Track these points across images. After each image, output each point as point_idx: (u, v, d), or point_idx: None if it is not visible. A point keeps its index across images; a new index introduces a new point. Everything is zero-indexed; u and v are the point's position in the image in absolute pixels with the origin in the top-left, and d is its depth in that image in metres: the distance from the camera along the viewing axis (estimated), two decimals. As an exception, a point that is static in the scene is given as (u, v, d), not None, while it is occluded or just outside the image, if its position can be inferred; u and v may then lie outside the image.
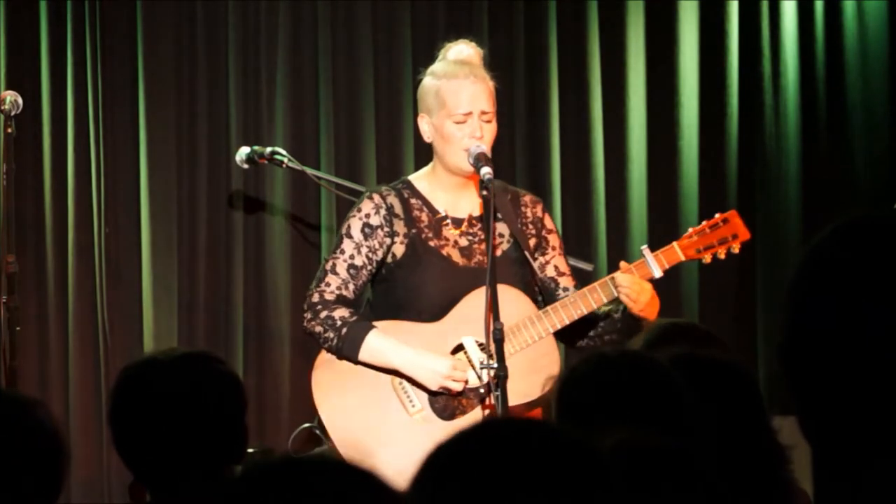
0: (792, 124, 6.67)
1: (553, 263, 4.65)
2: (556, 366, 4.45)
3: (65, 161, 6.13)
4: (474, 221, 4.60)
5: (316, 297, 4.56)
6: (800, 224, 6.62)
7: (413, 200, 4.61)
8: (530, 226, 4.65)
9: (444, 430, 4.40)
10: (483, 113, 4.52)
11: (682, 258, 4.58)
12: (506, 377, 4.23)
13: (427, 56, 6.39)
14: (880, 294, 1.64)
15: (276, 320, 6.24)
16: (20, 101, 5.43)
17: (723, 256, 4.65)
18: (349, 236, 4.58)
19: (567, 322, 4.48)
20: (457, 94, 4.52)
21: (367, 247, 4.56)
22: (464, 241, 4.58)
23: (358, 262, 4.56)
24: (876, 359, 1.63)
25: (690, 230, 4.65)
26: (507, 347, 4.34)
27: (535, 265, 4.61)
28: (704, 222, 4.66)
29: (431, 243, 4.56)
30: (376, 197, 4.61)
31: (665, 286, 6.50)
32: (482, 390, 4.46)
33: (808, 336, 1.68)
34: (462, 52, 4.63)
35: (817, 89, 6.68)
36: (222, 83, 6.28)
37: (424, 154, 6.34)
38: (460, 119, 4.51)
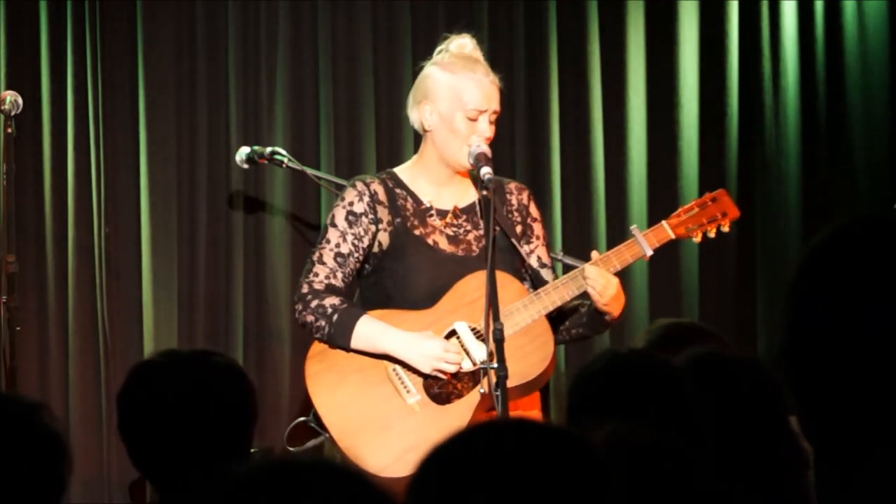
0: (792, 124, 6.67)
1: (536, 254, 4.65)
2: (551, 345, 4.44)
3: (65, 161, 6.13)
4: (459, 213, 4.60)
5: (305, 288, 4.56)
6: (800, 224, 6.62)
7: (398, 190, 4.61)
8: (516, 213, 4.65)
9: (441, 414, 4.41)
10: (494, 113, 4.54)
11: (672, 236, 4.57)
12: (506, 377, 4.23)
13: (427, 56, 6.40)
14: (880, 294, 1.65)
15: (276, 320, 6.24)
16: (20, 101, 5.43)
17: (713, 235, 4.64)
18: (334, 225, 4.58)
19: (559, 304, 4.49)
20: (475, 90, 4.53)
21: (353, 234, 4.56)
22: (449, 232, 4.58)
23: (344, 249, 4.56)
24: (876, 358, 1.63)
25: (679, 209, 4.66)
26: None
27: (522, 253, 4.62)
28: (693, 201, 4.67)
29: (417, 232, 4.56)
30: (360, 185, 4.60)
31: (665, 285, 6.53)
32: (476, 373, 4.46)
33: (809, 336, 1.68)
34: (466, 47, 4.64)
35: (817, 89, 6.68)
36: (222, 83, 6.28)
37: (424, 154, 6.36)
38: (473, 115, 4.52)
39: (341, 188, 5.91)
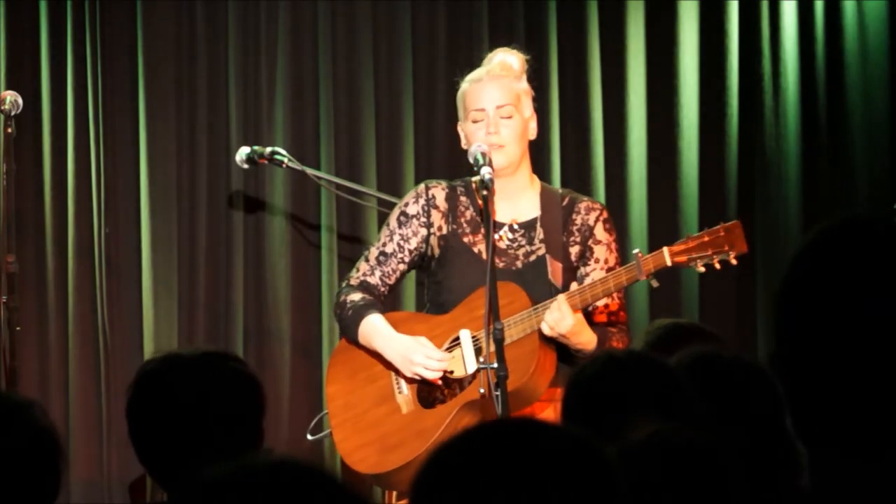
0: (792, 124, 6.66)
1: (592, 277, 4.54)
2: (532, 365, 4.41)
3: (65, 161, 6.13)
4: (517, 227, 4.59)
5: (344, 283, 4.70)
6: (800, 224, 6.62)
7: (463, 198, 4.63)
8: (576, 233, 4.60)
9: (422, 417, 4.47)
10: (499, 108, 4.52)
11: (668, 263, 4.42)
12: (506, 377, 4.23)
13: (428, 57, 6.40)
14: (871, 295, 1.65)
15: (276, 320, 6.24)
16: (20, 101, 5.43)
17: (717, 267, 4.49)
18: (387, 225, 4.69)
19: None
20: (474, 94, 4.55)
21: (400, 234, 4.63)
22: (501, 244, 4.57)
23: (388, 249, 4.64)
24: (868, 360, 1.63)
25: (687, 237, 4.52)
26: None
27: (577, 275, 4.60)
28: (705, 230, 4.50)
29: (465, 239, 4.59)
30: (421, 187, 4.67)
31: (665, 287, 6.51)
32: (468, 382, 4.48)
33: (800, 338, 1.68)
34: (495, 59, 4.65)
35: (817, 89, 6.67)
36: (222, 83, 6.28)
37: (425, 154, 6.36)
38: (476, 117, 4.53)
39: (341, 188, 5.94)
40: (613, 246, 4.64)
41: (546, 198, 4.62)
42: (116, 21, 6.21)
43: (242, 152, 5.84)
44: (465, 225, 4.61)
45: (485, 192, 4.39)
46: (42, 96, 6.13)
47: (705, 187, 6.57)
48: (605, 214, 4.65)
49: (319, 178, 5.91)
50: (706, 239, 4.47)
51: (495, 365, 4.26)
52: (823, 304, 1.66)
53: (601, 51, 6.56)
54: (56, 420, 2.59)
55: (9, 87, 5.78)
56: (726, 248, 4.47)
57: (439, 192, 4.63)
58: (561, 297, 4.40)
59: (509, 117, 4.53)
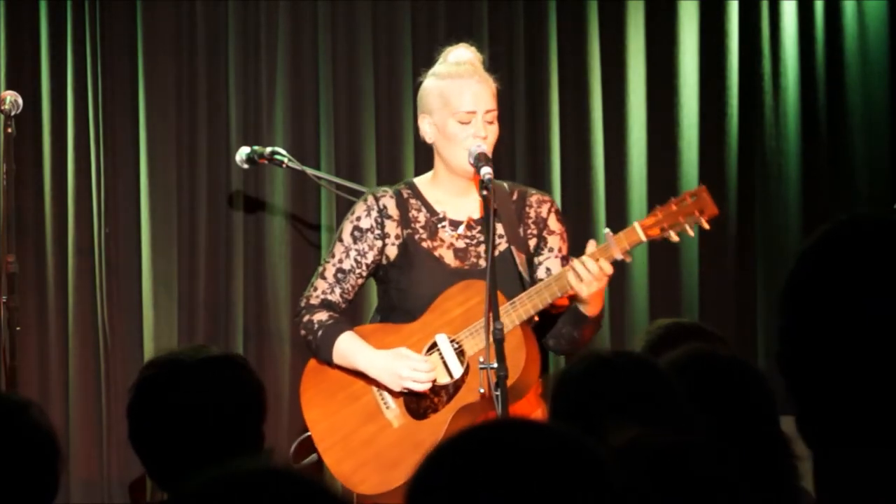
0: (792, 124, 6.67)
1: (546, 265, 4.59)
2: (522, 361, 4.38)
3: (65, 161, 6.14)
4: (473, 224, 4.59)
5: (303, 302, 4.62)
6: (800, 224, 6.62)
7: (412, 201, 4.60)
8: (532, 225, 4.62)
9: (417, 429, 4.41)
10: (487, 112, 4.52)
11: (643, 239, 4.40)
12: (506, 377, 4.21)
13: (427, 57, 6.38)
14: (875, 293, 1.65)
15: (276, 320, 6.24)
16: (20, 101, 5.44)
17: (691, 234, 4.44)
18: (340, 240, 4.61)
19: (532, 313, 4.41)
20: (461, 94, 4.52)
21: (356, 250, 4.57)
22: (460, 244, 4.57)
23: (346, 265, 4.58)
24: (872, 359, 1.64)
25: (656, 208, 4.50)
26: (479, 342, 4.35)
27: (533, 263, 4.60)
28: (671, 199, 4.47)
29: (424, 244, 4.56)
30: (370, 199, 4.61)
31: (665, 285, 6.52)
32: (456, 387, 4.45)
33: (804, 338, 1.68)
34: (462, 56, 4.63)
35: (817, 89, 6.68)
36: (222, 83, 6.29)
37: (424, 154, 6.34)
38: (464, 118, 4.51)
39: (341, 188, 5.93)
40: (565, 236, 4.67)
41: (497, 192, 4.60)
42: (116, 21, 6.21)
43: (242, 152, 5.84)
44: (420, 231, 4.58)
45: (485, 193, 4.38)
46: (42, 96, 6.13)
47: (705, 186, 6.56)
48: (555, 206, 4.69)
49: (319, 178, 5.91)
50: (674, 208, 4.44)
51: (495, 365, 4.24)
52: (826, 305, 1.66)
53: (601, 51, 6.56)
54: (56, 420, 2.60)
55: (9, 87, 5.78)
56: (696, 213, 4.44)
57: (388, 200, 4.59)
58: (585, 258, 4.34)
59: (492, 122, 4.55)
